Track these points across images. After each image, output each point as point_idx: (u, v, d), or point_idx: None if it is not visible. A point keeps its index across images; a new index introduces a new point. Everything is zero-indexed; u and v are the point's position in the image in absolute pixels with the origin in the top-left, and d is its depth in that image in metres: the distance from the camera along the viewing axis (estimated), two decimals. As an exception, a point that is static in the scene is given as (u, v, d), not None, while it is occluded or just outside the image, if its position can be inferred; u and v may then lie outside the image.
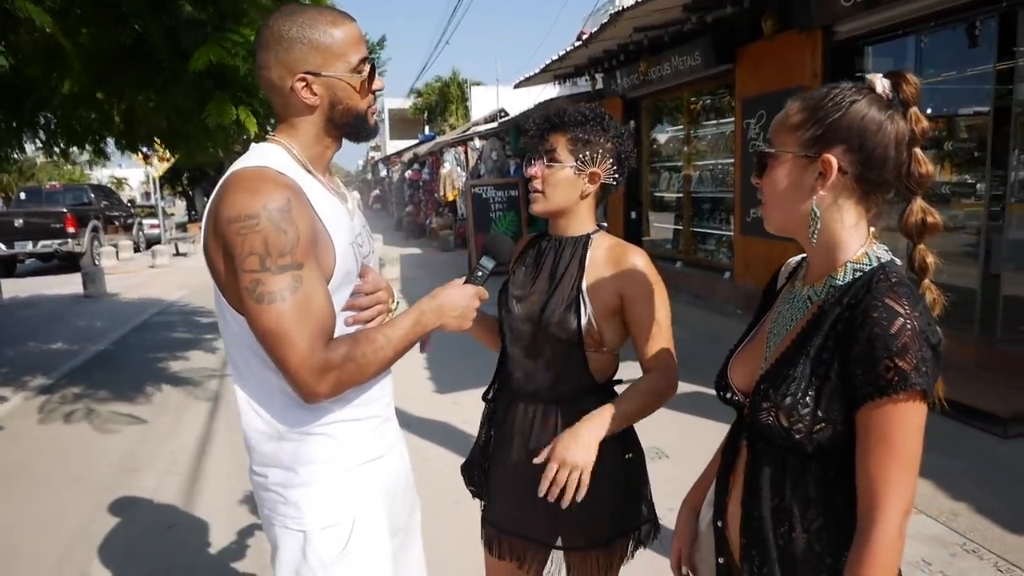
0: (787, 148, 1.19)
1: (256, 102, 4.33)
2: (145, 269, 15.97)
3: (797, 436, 1.14)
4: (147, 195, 39.40)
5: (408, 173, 24.02)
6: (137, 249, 20.00)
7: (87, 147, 5.96)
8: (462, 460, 2.03)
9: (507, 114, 16.70)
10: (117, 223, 18.88)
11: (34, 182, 31.21)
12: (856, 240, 1.19)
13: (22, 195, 18.10)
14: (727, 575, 1.36)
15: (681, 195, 10.33)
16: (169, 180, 27.23)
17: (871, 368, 1.06)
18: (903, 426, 1.06)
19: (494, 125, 16.13)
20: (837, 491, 1.17)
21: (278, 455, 1.42)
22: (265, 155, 1.36)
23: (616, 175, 1.77)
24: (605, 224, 1.91)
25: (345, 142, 1.50)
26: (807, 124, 1.16)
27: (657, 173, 11.24)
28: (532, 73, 12.00)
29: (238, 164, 1.35)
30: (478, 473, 1.93)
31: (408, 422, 4.98)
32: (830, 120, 1.14)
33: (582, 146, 1.71)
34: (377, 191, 40.03)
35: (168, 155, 7.30)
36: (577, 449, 1.56)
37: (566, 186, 1.73)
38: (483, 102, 26.14)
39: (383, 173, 34.44)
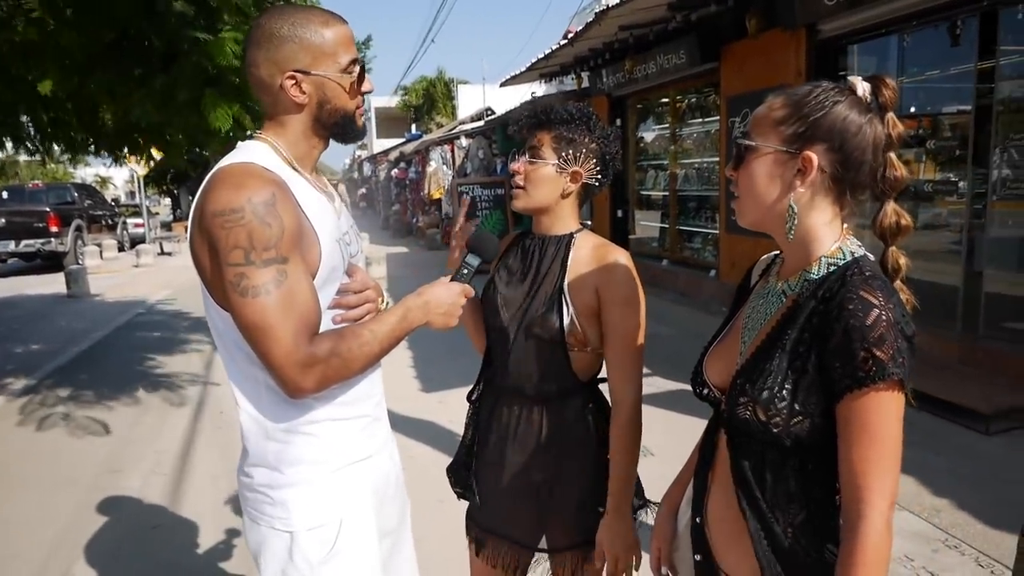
0: (768, 142, 1.19)
1: (251, 100, 4.33)
2: (129, 269, 15.85)
3: (775, 430, 1.15)
4: (132, 194, 39.09)
5: (394, 172, 23.96)
6: (121, 248, 19.81)
7: (60, 146, 5.90)
8: (448, 459, 2.02)
9: (493, 112, 16.69)
10: (101, 222, 18.72)
11: (16, 181, 30.89)
12: (830, 236, 1.20)
13: (4, 194, 17.81)
14: (706, 572, 1.36)
15: (667, 193, 10.36)
16: (154, 179, 27.02)
17: (849, 360, 1.07)
18: (883, 416, 1.06)
19: (480, 124, 16.12)
20: (817, 484, 1.18)
21: (265, 454, 1.41)
22: (251, 152, 1.37)
23: (599, 176, 1.75)
24: (589, 223, 1.91)
25: (333, 142, 1.50)
26: (790, 120, 1.17)
27: (643, 171, 11.27)
28: (518, 72, 12.00)
29: (224, 161, 1.35)
30: (465, 473, 1.92)
31: (394, 421, 4.86)
32: (813, 118, 1.15)
33: (566, 144, 1.70)
34: (364, 190, 39.90)
35: (148, 156, 7.21)
36: (619, 541, 1.68)
37: (547, 183, 1.72)
38: (469, 100, 26.13)
39: (369, 172, 34.35)
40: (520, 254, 1.82)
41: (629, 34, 8.69)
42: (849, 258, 1.17)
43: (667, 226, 10.42)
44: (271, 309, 1.24)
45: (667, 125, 10.36)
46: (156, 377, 6.59)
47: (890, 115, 1.17)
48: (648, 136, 11.28)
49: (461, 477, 1.93)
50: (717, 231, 8.75)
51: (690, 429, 1.43)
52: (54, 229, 15.26)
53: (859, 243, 1.21)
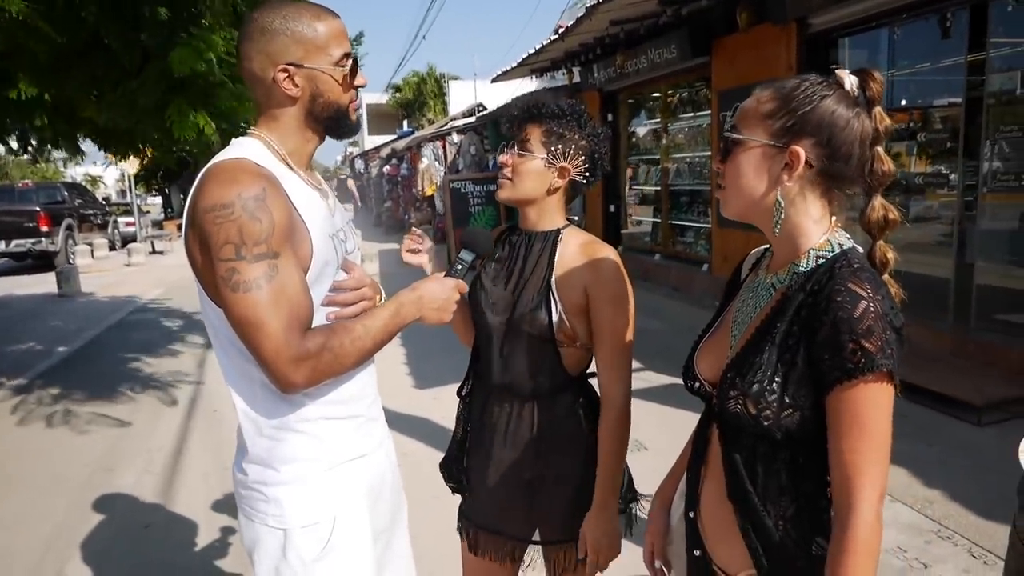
0: (756, 136, 1.18)
1: (214, 106, 4.30)
2: (121, 267, 15.75)
3: (765, 423, 1.15)
4: (123, 193, 38.83)
5: (386, 168, 23.89)
6: (112, 247, 19.70)
7: (43, 145, 5.85)
8: (442, 455, 2.02)
9: (485, 108, 16.65)
10: (92, 221, 18.58)
11: (6, 180, 30.69)
12: (819, 229, 1.20)
13: (-6, 194, 17.76)
14: (699, 566, 1.36)
15: (659, 188, 10.36)
16: (144, 178, 26.86)
17: (837, 351, 1.07)
18: (872, 407, 1.07)
19: (472, 119, 16.08)
20: (807, 477, 1.18)
21: (259, 452, 1.41)
22: (244, 148, 1.37)
23: (588, 174, 1.74)
24: (576, 218, 1.91)
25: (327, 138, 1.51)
26: (778, 114, 1.16)
27: (635, 166, 11.27)
28: (509, 67, 11.97)
29: (217, 157, 1.36)
30: (457, 469, 1.92)
31: (388, 418, 4.85)
32: (801, 112, 1.14)
33: (555, 139, 1.69)
34: (355, 187, 39.75)
35: (140, 155, 7.18)
36: (603, 535, 1.70)
37: (534, 177, 1.70)
38: (461, 96, 26.05)
39: (361, 169, 34.24)
40: (507, 250, 1.82)
41: (620, 29, 8.67)
42: (837, 250, 1.17)
43: (659, 221, 10.43)
44: (262, 304, 1.24)
45: (658, 120, 10.36)
46: (149, 376, 6.57)
47: (877, 109, 1.17)
48: (640, 131, 11.28)
49: (453, 472, 1.94)
50: (709, 225, 8.76)
51: (683, 423, 1.43)
52: (44, 229, 15.13)
53: (848, 236, 1.21)
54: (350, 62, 1.42)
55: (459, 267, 1.57)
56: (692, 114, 9.60)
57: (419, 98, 33.68)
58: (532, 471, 1.75)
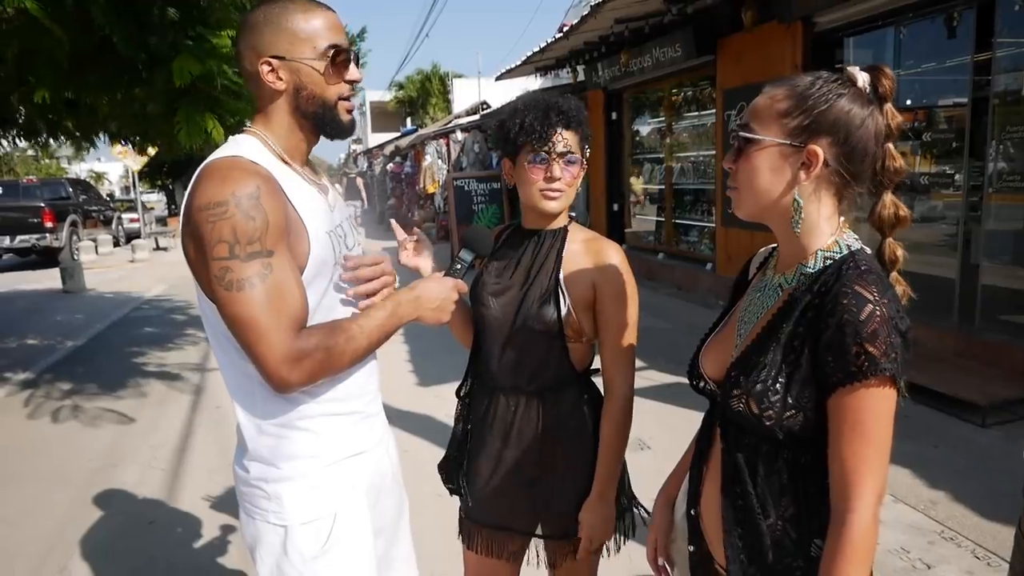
0: (772, 135, 1.17)
1: (223, 110, 4.29)
2: (125, 264, 15.80)
3: (768, 423, 1.15)
4: (127, 189, 38.84)
5: (390, 166, 23.91)
6: (117, 244, 19.72)
7: (58, 139, 5.87)
8: (444, 453, 2.02)
9: (489, 106, 16.66)
10: (96, 217, 18.63)
11: (11, 176, 30.77)
12: (828, 230, 1.19)
13: (-1, 189, 17.81)
14: (701, 564, 1.36)
15: (663, 187, 10.35)
16: (148, 174, 26.91)
17: (841, 354, 1.07)
18: (874, 411, 1.07)
19: (476, 117, 16.08)
20: (809, 478, 1.18)
21: (259, 449, 1.42)
22: (239, 146, 1.37)
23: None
24: (573, 214, 1.93)
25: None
26: (793, 112, 1.15)
27: (639, 165, 11.26)
28: (513, 65, 11.97)
29: (213, 155, 1.35)
30: (456, 471, 1.92)
31: (390, 416, 4.84)
32: (817, 111, 1.14)
33: (585, 142, 1.74)
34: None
35: (143, 149, 7.21)
36: (600, 522, 1.74)
37: (577, 183, 1.75)
38: (465, 94, 26.03)
39: (364, 166, 34.26)
40: (511, 249, 1.83)
41: (624, 27, 8.66)
42: (845, 252, 1.17)
43: (663, 219, 10.42)
44: (256, 303, 1.24)
45: (662, 118, 10.34)
46: (153, 371, 6.58)
47: (889, 106, 1.17)
48: (644, 130, 11.27)
49: (452, 474, 1.94)
50: (713, 224, 8.74)
51: (686, 423, 1.43)
52: (49, 224, 15.20)
53: (856, 236, 1.21)
54: (336, 54, 1.40)
55: (458, 267, 1.56)
56: (696, 113, 9.58)
57: (422, 96, 33.67)
58: (537, 467, 1.76)
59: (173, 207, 28.46)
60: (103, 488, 4.05)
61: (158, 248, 19.06)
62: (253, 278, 1.24)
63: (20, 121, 5.75)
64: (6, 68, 4.42)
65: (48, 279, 12.73)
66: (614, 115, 11.15)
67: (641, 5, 7.75)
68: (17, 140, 6.04)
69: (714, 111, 8.42)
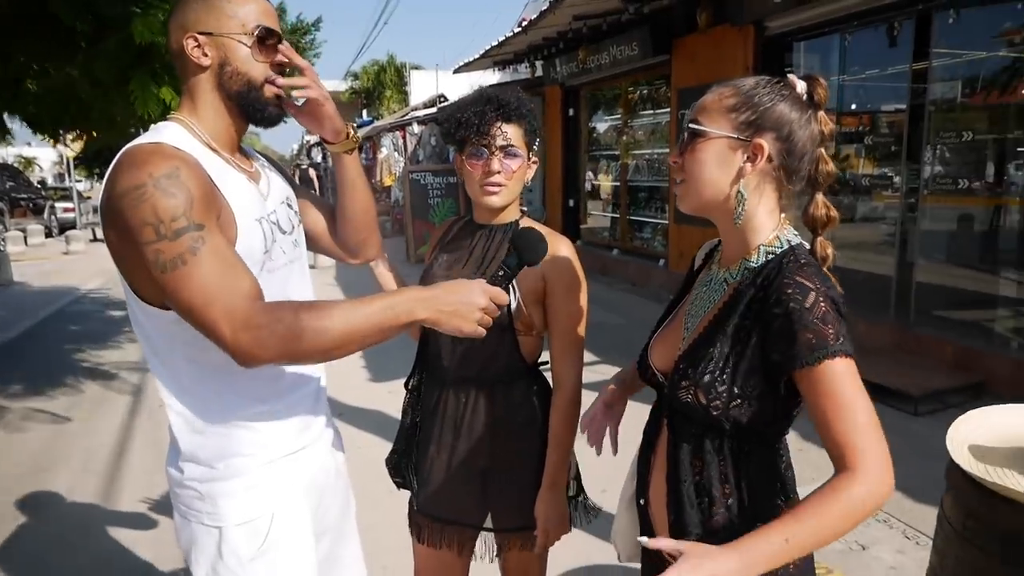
0: (720, 129, 1.22)
1: (177, 81, 4.10)
2: (58, 256, 14.97)
3: (715, 413, 1.19)
4: (60, 177, 37.26)
5: (345, 157, 23.61)
6: (49, 234, 18.78)
7: None
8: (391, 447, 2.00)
9: (447, 99, 16.60)
10: (24, 205, 17.79)
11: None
12: (770, 225, 1.25)
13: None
14: (652, 553, 1.39)
15: (618, 184, 10.51)
16: (85, 161, 25.98)
17: (793, 341, 1.11)
18: (841, 382, 1.09)
19: (433, 110, 16.03)
20: (753, 466, 1.23)
21: (193, 449, 1.37)
22: (161, 133, 1.32)
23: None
24: (525, 208, 1.94)
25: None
26: (741, 108, 1.21)
27: (595, 161, 11.40)
28: (471, 59, 11.97)
29: (131, 143, 1.29)
30: (404, 463, 1.90)
31: (342, 411, 4.85)
32: (763, 108, 1.20)
33: (532, 137, 1.74)
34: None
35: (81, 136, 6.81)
36: (554, 514, 1.76)
37: (521, 177, 1.74)
38: (422, 86, 25.83)
39: (319, 158, 33.79)
40: (462, 241, 1.83)
41: (583, 24, 8.77)
42: (786, 246, 1.24)
43: (618, 216, 10.58)
44: (196, 275, 1.17)
45: (619, 116, 10.49)
46: (89, 369, 6.29)
47: (822, 113, 1.25)
48: (600, 126, 11.41)
49: (400, 467, 1.92)
50: (667, 221, 8.92)
51: (639, 416, 1.50)
52: (-32, 212, 14.29)
53: (795, 232, 1.28)
54: (266, 34, 1.35)
55: (500, 273, 1.35)
56: (652, 111, 9.74)
57: (378, 87, 33.29)
58: (488, 459, 1.77)
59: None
60: (32, 494, 3.85)
61: (95, 239, 17.76)
62: (185, 254, 1.17)
63: None
64: None
65: (-30, 271, 12.00)
66: (571, 111, 11.26)
67: (599, 3, 7.86)
68: None
69: (669, 110, 8.59)
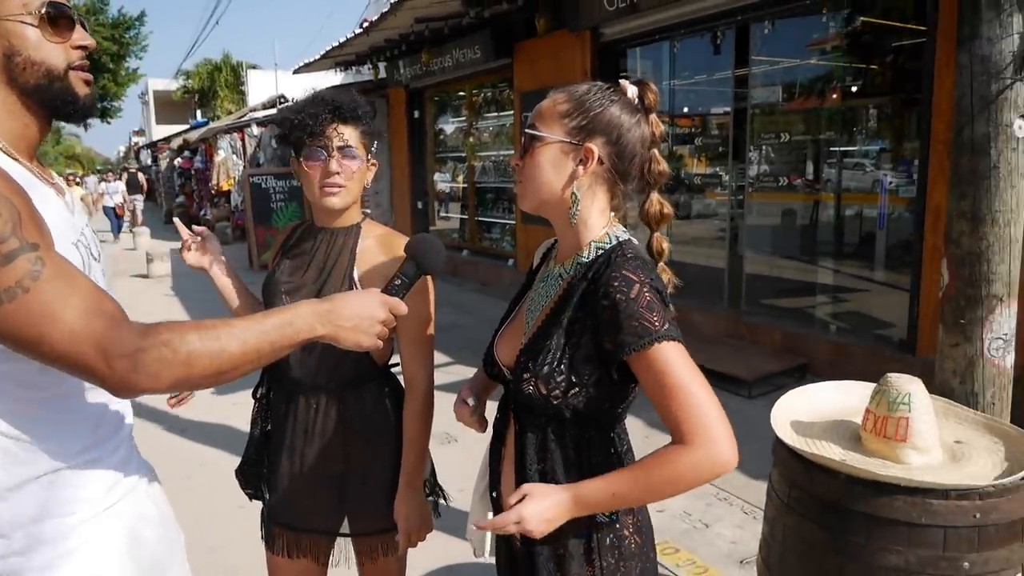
0: (555, 133, 1.28)
1: None
2: None
3: (555, 402, 1.25)
4: None
5: (178, 161, 22.29)
6: None
7: None
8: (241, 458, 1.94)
9: (287, 100, 16.05)
10: None
11: None
12: (601, 223, 1.33)
13: None
14: (501, 542, 1.44)
15: (466, 185, 10.57)
16: None
17: (620, 330, 1.17)
18: (671, 365, 1.15)
19: (273, 111, 15.44)
20: (594, 452, 1.30)
21: None
22: None
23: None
24: (368, 211, 1.92)
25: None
26: (573, 114, 1.27)
27: (442, 163, 11.41)
28: (312, 59, 11.64)
29: None
30: (254, 473, 1.86)
31: (184, 427, 4.67)
32: (593, 113, 1.27)
33: (370, 139, 1.74)
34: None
35: None
36: (414, 515, 1.75)
37: (361, 178, 1.73)
38: (260, 87, 24.90)
39: (149, 161, 31.67)
40: (303, 246, 1.80)
41: (425, 27, 8.74)
42: (615, 242, 1.31)
43: (466, 217, 10.64)
44: (42, 303, 1.00)
45: (464, 118, 10.56)
46: None
47: (653, 116, 1.32)
48: (447, 128, 11.43)
49: (251, 477, 1.88)
50: (514, 222, 9.08)
51: (493, 414, 1.50)
52: None
53: (624, 229, 1.35)
54: (57, 12, 1.15)
55: (398, 282, 1.33)
56: (496, 114, 9.89)
57: (213, 87, 31.68)
58: (341, 464, 1.76)
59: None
60: None
61: None
62: (23, 279, 0.99)
63: None
64: None
65: None
66: (416, 113, 11.21)
67: (440, 6, 7.86)
68: None
69: (512, 112, 8.74)
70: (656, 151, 1.32)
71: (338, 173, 1.66)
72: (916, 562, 1.57)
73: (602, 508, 1.21)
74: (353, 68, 12.29)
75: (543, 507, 1.18)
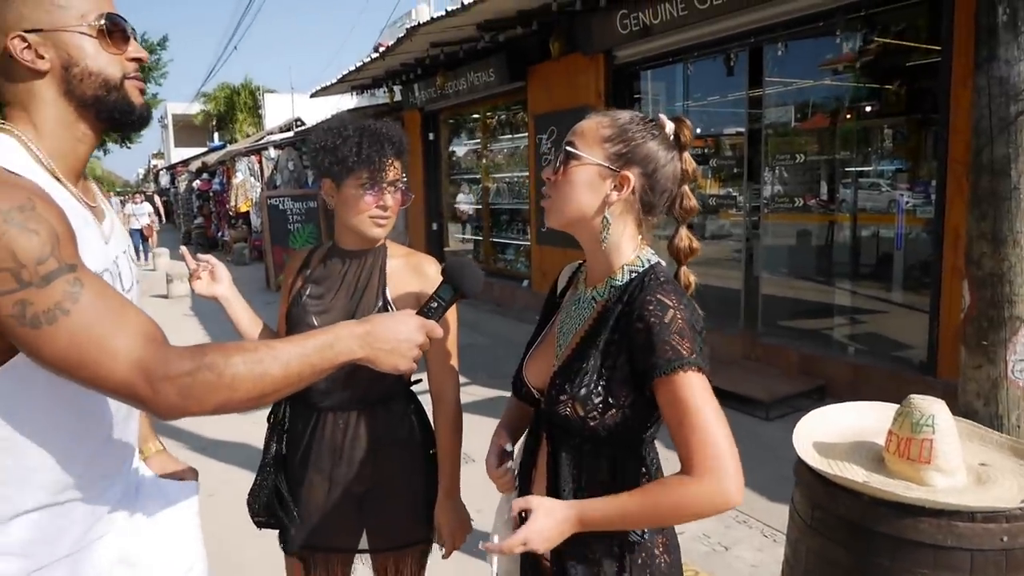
0: (595, 156, 1.30)
1: None
2: None
3: (592, 423, 1.26)
4: None
5: (196, 183, 22.56)
6: None
7: None
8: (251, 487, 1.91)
9: (304, 123, 16.23)
10: None
11: None
12: (631, 247, 1.35)
13: None
14: (533, 566, 1.43)
15: (480, 207, 10.62)
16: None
17: (652, 352, 1.19)
18: (692, 392, 1.17)
19: (290, 134, 15.62)
20: (628, 473, 1.31)
21: None
22: None
23: None
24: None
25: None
26: (615, 140, 1.30)
27: (456, 185, 11.47)
28: (329, 83, 11.78)
29: None
30: (272, 498, 1.82)
31: (203, 446, 4.70)
32: (635, 144, 1.29)
33: (404, 170, 1.80)
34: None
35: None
36: (456, 521, 1.80)
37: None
38: (277, 110, 25.24)
39: (167, 183, 32.05)
40: (330, 269, 1.82)
41: (440, 51, 8.84)
42: (646, 265, 1.33)
43: (481, 238, 10.68)
44: (83, 323, 0.98)
45: (478, 140, 10.64)
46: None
47: (687, 154, 1.35)
48: (460, 151, 11.51)
49: (271, 505, 1.83)
50: (529, 243, 9.10)
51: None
52: None
53: (653, 252, 1.37)
54: (112, 24, 1.15)
55: (434, 305, 1.32)
56: (510, 136, 9.95)
57: (230, 110, 32.09)
58: (368, 482, 1.77)
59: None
60: None
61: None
62: (64, 302, 0.97)
63: None
64: None
65: None
66: (431, 135, 11.30)
67: (456, 31, 7.95)
68: None
69: (526, 134, 8.79)
70: (687, 188, 1.35)
71: (391, 207, 1.74)
72: (942, 585, 1.56)
73: (605, 528, 1.23)
74: (368, 91, 12.42)
75: (547, 526, 1.19)
